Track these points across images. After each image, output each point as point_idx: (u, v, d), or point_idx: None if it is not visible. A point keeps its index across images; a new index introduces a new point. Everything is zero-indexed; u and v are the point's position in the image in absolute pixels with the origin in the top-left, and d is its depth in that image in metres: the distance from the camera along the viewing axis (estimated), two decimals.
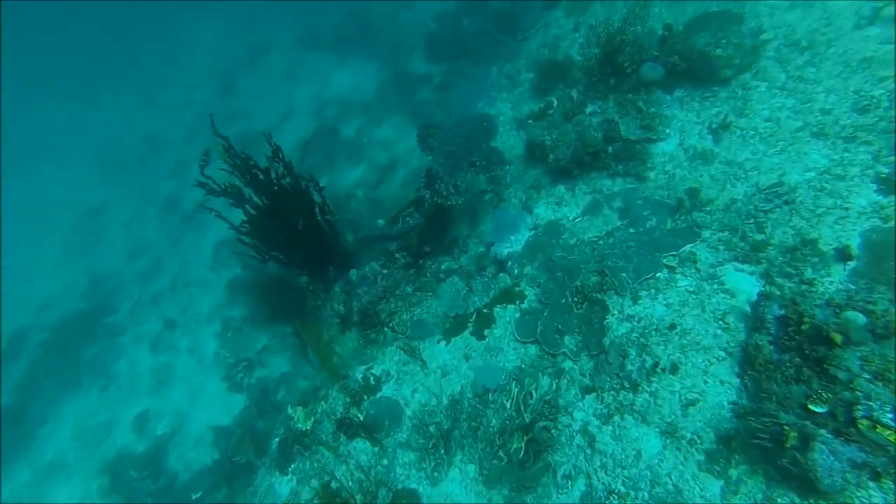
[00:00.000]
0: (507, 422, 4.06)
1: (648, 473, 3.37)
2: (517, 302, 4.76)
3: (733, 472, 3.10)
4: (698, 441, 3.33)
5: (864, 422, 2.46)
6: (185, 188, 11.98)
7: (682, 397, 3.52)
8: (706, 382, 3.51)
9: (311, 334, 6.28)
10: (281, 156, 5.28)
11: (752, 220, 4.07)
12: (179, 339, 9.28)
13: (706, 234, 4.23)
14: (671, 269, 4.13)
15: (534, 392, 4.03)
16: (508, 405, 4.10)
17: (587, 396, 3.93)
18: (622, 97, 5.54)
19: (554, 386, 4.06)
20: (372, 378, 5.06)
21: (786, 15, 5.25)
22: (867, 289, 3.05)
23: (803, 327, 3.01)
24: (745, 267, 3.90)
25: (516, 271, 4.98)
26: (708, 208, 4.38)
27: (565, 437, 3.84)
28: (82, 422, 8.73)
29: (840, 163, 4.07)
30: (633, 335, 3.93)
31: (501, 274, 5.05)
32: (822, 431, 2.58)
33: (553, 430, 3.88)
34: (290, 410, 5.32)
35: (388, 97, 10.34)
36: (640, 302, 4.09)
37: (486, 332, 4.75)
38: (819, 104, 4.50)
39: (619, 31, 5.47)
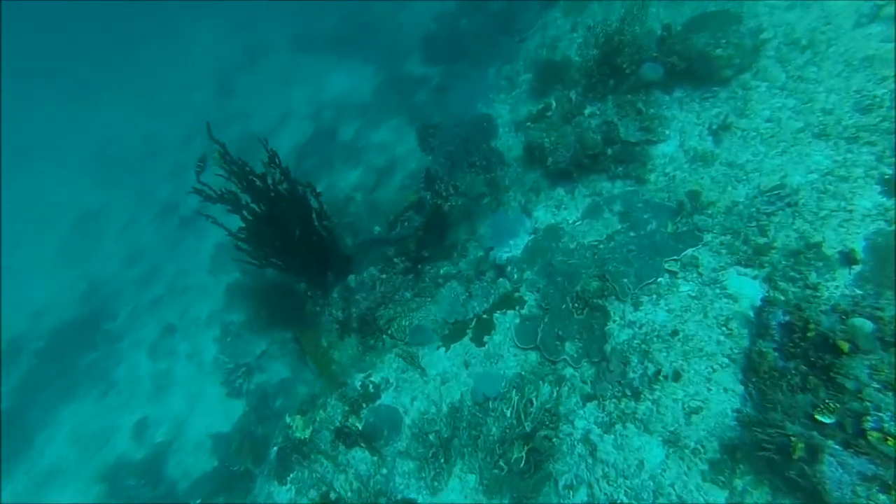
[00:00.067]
0: (508, 430, 4.00)
1: (651, 483, 3.31)
2: (517, 307, 4.69)
3: (738, 483, 3.04)
4: (702, 450, 3.27)
5: (875, 433, 2.40)
6: (183, 190, 11.96)
7: (685, 405, 3.45)
8: (709, 390, 3.44)
9: (309, 341, 6.22)
10: (277, 161, 5.22)
11: (754, 224, 4.01)
12: (178, 344, 9.24)
13: (708, 237, 4.17)
14: (673, 273, 4.07)
15: (534, 400, 3.97)
16: (509, 413, 4.05)
17: (588, 404, 3.87)
18: (621, 98, 5.48)
19: (555, 394, 3.99)
20: (371, 386, 5.00)
21: (785, 14, 5.18)
22: (874, 294, 2.99)
23: (809, 334, 2.95)
24: (748, 271, 3.84)
25: (516, 276, 4.92)
26: (709, 211, 4.32)
27: (566, 446, 3.78)
28: (80, 428, 8.68)
29: (843, 164, 4.01)
30: (635, 342, 3.87)
31: (501, 279, 4.99)
32: (831, 443, 2.52)
33: (554, 439, 3.82)
34: (288, 419, 5.26)
35: (386, 99, 10.29)
36: (641, 308, 4.03)
37: (485, 338, 4.69)
38: (820, 104, 4.44)
39: (617, 31, 5.40)
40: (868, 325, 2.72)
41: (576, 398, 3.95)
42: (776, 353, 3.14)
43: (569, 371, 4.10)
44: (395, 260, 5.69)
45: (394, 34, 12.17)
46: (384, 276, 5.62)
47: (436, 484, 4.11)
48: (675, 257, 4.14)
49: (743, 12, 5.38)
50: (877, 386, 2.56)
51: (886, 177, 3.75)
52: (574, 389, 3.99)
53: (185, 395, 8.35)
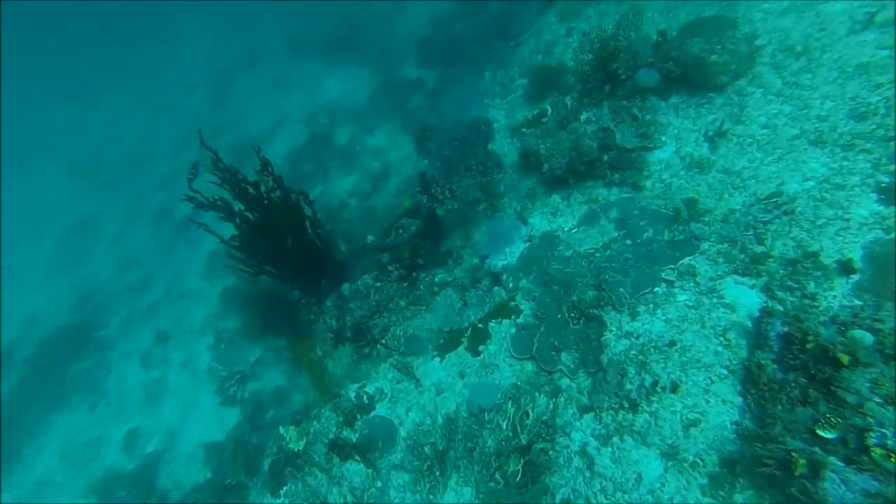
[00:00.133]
0: (504, 443, 3.93)
1: (650, 498, 3.25)
2: (512, 317, 4.64)
3: (739, 498, 2.99)
4: (701, 464, 3.22)
5: (878, 450, 2.35)
6: (181, 193, 11.86)
7: (684, 417, 3.40)
8: (708, 402, 3.39)
9: (303, 350, 6.14)
10: (270, 169, 5.15)
11: (751, 232, 3.97)
12: (172, 352, 9.11)
13: (705, 245, 4.13)
14: (669, 283, 4.02)
15: (530, 412, 3.91)
16: (505, 425, 3.98)
17: (585, 416, 3.81)
18: (617, 104, 5.45)
19: (551, 405, 3.94)
20: (365, 396, 4.93)
21: (779, 20, 5.17)
22: (873, 306, 2.95)
23: (808, 346, 2.91)
24: (746, 280, 3.80)
25: (511, 284, 4.86)
26: (706, 219, 4.28)
27: (563, 459, 3.72)
28: (70, 440, 8.53)
29: (839, 171, 3.98)
30: (632, 352, 3.82)
31: (496, 287, 4.94)
32: (833, 459, 2.47)
33: (551, 452, 3.75)
34: (282, 430, 5.18)
35: (381, 104, 10.24)
36: (638, 318, 3.98)
37: (481, 347, 4.63)
38: (816, 111, 4.42)
39: (612, 36, 5.38)
40: (868, 338, 2.68)
41: (572, 409, 3.89)
42: (775, 365, 3.10)
43: (565, 382, 4.05)
44: (390, 268, 5.62)
45: (389, 38, 12.14)
46: (378, 284, 5.55)
47: (431, 497, 4.04)
48: (672, 266, 4.09)
49: (738, 18, 5.38)
50: (878, 400, 2.51)
51: (883, 185, 3.73)
52: (571, 401, 3.94)
53: (178, 403, 8.23)
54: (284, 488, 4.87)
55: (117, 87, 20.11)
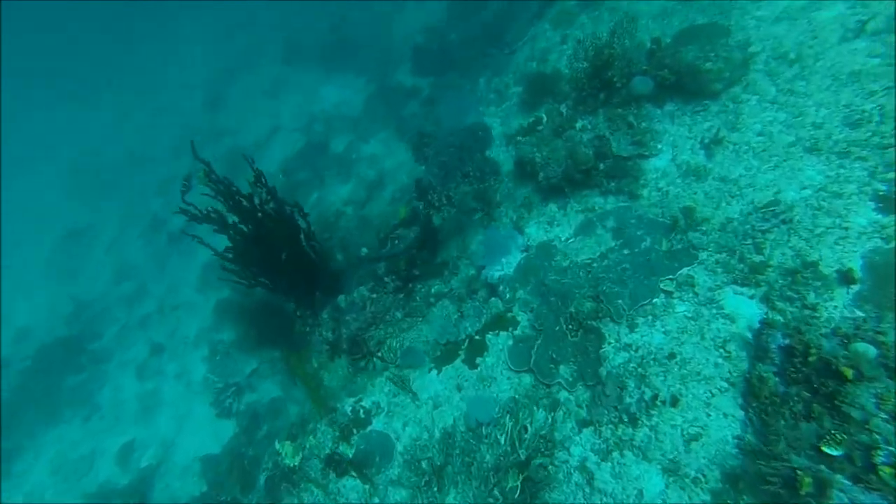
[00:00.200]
0: (502, 458, 3.86)
1: None
2: (510, 328, 4.58)
3: None
4: (703, 479, 3.16)
5: (887, 469, 2.29)
6: (176, 202, 11.80)
7: (684, 432, 3.34)
8: (709, 415, 3.34)
9: (298, 362, 6.06)
10: (263, 181, 5.10)
11: (749, 241, 3.93)
12: (167, 364, 9.01)
13: (703, 255, 4.09)
14: (668, 293, 3.98)
15: (529, 426, 3.85)
16: (503, 440, 3.91)
17: (584, 430, 3.74)
18: (612, 112, 5.43)
19: (549, 419, 3.87)
20: (361, 411, 4.85)
21: (772, 27, 5.17)
22: (875, 317, 2.91)
23: (810, 359, 2.86)
24: (745, 290, 3.76)
25: (508, 295, 4.81)
26: (703, 228, 4.25)
27: (563, 475, 3.65)
28: (63, 454, 8.39)
29: (836, 179, 3.96)
30: (631, 365, 3.76)
31: (493, 298, 4.88)
32: (839, 477, 2.42)
33: (550, 467, 3.68)
34: (277, 445, 5.09)
35: (376, 111, 10.22)
36: (637, 329, 3.93)
37: (478, 360, 4.56)
38: (811, 118, 4.40)
39: (607, 44, 5.37)
40: (871, 351, 2.64)
41: (571, 424, 3.83)
42: (776, 378, 3.05)
43: (564, 395, 3.99)
44: (386, 279, 5.56)
45: (385, 45, 12.15)
46: (374, 295, 5.49)
47: None
48: (671, 276, 4.05)
49: (731, 25, 5.38)
50: (884, 416, 2.47)
51: (880, 193, 3.70)
52: (569, 414, 3.87)
53: (173, 416, 8.12)
54: None
55: (117, 87, 20.08)
